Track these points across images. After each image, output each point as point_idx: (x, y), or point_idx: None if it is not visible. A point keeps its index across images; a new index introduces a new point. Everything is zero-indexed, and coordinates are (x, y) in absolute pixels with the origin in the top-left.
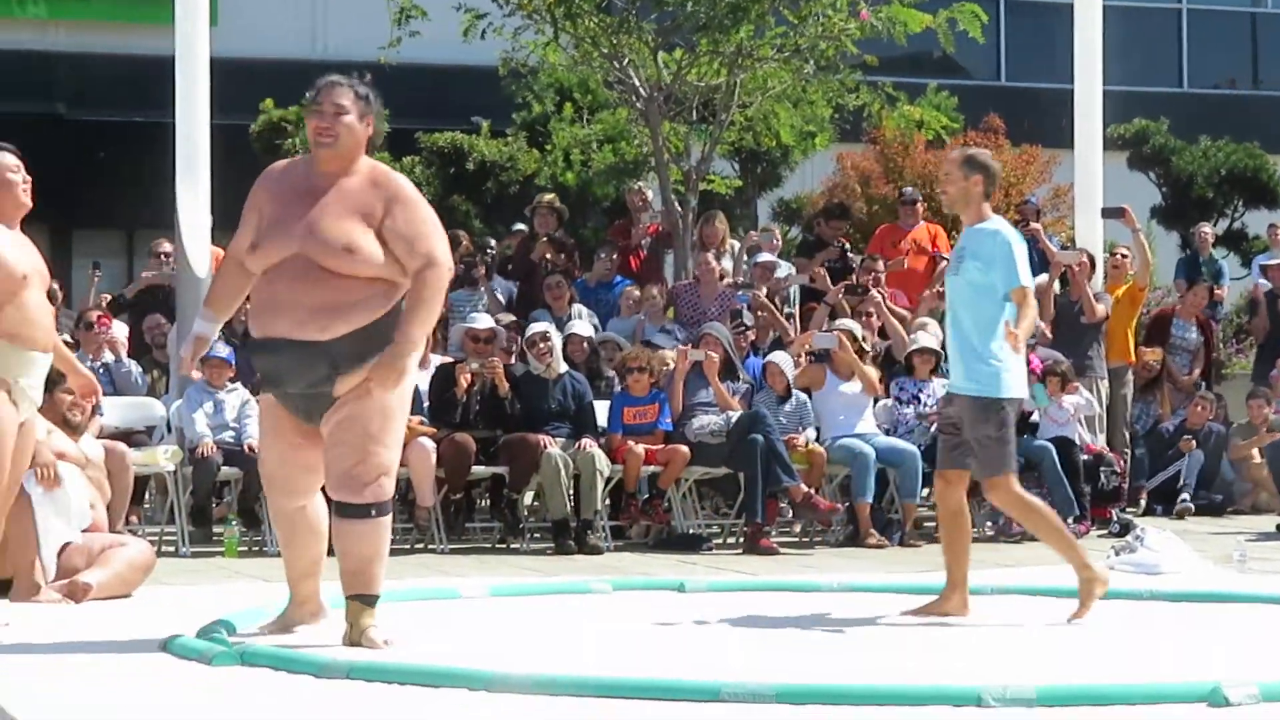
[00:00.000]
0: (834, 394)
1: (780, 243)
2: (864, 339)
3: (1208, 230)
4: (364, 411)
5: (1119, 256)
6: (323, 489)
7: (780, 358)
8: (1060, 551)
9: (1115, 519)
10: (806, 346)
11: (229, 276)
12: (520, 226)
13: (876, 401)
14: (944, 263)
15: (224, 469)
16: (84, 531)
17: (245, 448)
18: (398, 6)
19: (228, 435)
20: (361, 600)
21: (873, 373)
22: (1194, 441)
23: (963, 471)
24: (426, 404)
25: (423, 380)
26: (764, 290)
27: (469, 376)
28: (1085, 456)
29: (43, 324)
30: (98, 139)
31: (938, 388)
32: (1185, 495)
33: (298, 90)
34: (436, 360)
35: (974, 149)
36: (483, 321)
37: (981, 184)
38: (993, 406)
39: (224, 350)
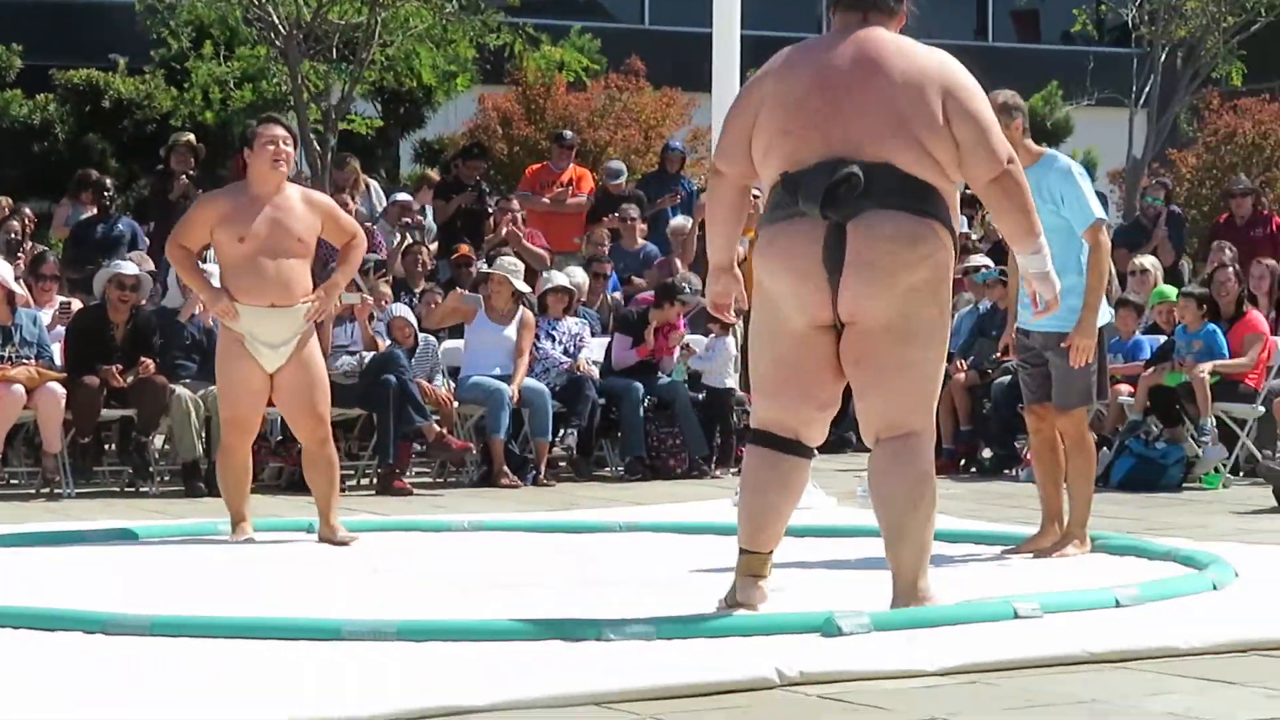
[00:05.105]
0: (485, 331)
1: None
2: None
3: None
4: None
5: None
6: None
7: (403, 310)
8: (1078, 502)
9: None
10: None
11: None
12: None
13: None
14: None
15: None
16: None
17: None
18: None
19: None
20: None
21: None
22: None
23: (1049, 405)
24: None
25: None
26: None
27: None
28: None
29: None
30: None
31: (571, 325)
32: None
33: None
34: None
35: (998, 92)
36: (129, 268)
37: (1021, 124)
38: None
39: None
